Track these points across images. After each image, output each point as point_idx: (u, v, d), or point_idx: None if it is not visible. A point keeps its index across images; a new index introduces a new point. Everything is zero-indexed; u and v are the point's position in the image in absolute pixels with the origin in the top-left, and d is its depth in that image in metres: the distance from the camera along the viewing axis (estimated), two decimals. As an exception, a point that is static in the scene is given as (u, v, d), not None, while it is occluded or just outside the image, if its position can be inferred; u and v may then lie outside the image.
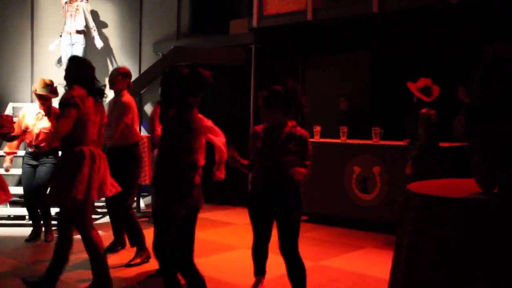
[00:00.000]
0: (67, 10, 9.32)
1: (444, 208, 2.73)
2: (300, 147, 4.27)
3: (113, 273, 5.26)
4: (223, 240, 6.80)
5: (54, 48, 9.43)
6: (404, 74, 8.05)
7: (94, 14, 9.81)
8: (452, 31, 7.70)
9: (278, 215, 4.36)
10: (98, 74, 9.46)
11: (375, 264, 5.81)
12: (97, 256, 4.62)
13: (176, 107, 4.07)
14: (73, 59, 4.88)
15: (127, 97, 5.80)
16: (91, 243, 4.60)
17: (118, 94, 5.85)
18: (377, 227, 7.12)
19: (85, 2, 9.52)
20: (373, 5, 7.90)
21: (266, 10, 9.28)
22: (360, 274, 5.53)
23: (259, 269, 4.74)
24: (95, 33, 9.52)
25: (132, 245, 5.82)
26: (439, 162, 6.36)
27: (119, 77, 5.84)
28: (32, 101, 9.63)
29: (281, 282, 4.68)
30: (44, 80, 6.55)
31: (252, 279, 4.99)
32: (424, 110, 6.45)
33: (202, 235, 6.81)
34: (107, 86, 5.24)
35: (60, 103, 4.55)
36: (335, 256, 6.18)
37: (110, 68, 10.09)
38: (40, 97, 6.54)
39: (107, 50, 10.19)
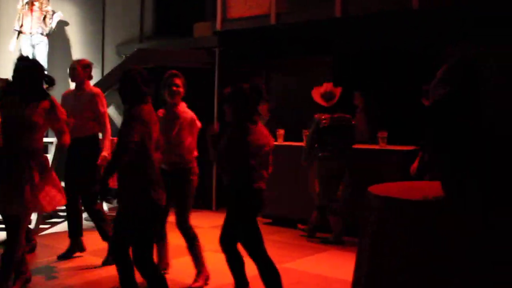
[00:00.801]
0: (29, 10, 9.11)
1: (405, 210, 2.77)
2: None
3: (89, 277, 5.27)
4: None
5: (13, 48, 9.20)
6: (366, 77, 8.17)
7: (54, 13, 9.62)
8: (413, 34, 7.82)
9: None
10: (60, 76, 9.36)
11: (339, 266, 5.87)
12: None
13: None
14: (30, 69, 4.75)
15: (93, 88, 5.83)
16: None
17: (80, 85, 5.86)
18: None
19: (49, 6, 9.31)
20: (336, 9, 8.00)
21: (229, 14, 9.30)
22: (324, 276, 5.58)
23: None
24: (51, 22, 9.31)
25: (105, 239, 5.79)
26: (342, 164, 6.89)
27: (79, 68, 5.84)
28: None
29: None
30: (7, 79, 6.39)
31: (216, 282, 5.00)
32: (316, 115, 6.87)
33: (168, 238, 6.79)
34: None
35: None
36: (299, 258, 6.23)
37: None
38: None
39: (69, 51, 10.06)
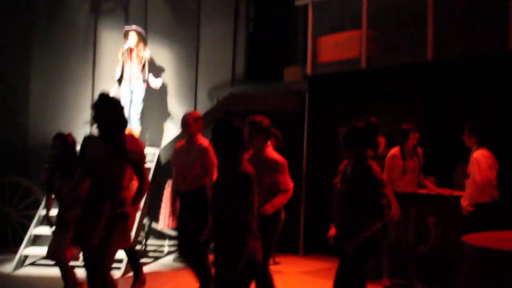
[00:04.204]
0: (128, 57, 9.55)
1: (500, 260, 2.67)
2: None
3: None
4: None
5: (114, 94, 9.63)
6: (458, 120, 7.94)
7: (151, 59, 10.06)
8: (508, 77, 7.57)
9: None
10: (155, 119, 9.72)
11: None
12: None
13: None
14: (111, 109, 4.73)
15: (204, 140, 5.94)
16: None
17: (191, 138, 5.99)
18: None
19: (146, 51, 9.73)
20: (428, 53, 7.87)
21: (320, 58, 9.35)
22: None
23: None
24: (150, 77, 9.67)
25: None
26: None
27: (191, 121, 5.99)
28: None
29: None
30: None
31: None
32: None
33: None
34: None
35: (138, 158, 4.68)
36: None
37: (166, 113, 10.33)
38: None
39: (164, 95, 10.43)
